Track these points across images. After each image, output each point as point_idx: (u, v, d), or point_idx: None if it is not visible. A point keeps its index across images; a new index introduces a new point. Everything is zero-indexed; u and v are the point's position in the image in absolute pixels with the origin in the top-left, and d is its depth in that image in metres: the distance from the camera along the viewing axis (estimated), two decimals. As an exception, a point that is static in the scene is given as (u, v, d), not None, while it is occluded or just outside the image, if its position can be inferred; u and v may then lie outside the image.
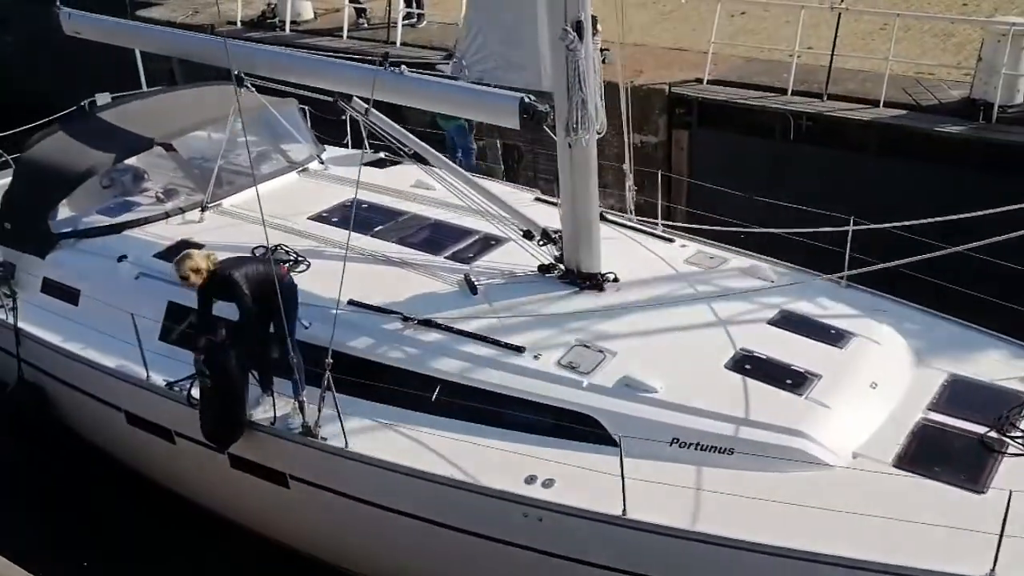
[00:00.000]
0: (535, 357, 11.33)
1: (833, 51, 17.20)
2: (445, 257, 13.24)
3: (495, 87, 12.40)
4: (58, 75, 26.11)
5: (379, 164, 16.15)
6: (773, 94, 17.70)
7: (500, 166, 18.88)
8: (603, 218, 12.97)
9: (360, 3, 22.94)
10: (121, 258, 13.83)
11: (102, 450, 14.53)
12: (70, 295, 14.13)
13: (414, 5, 22.50)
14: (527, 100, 11.76)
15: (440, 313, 12.07)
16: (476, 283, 12.42)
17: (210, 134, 16.01)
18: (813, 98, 17.19)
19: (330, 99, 13.80)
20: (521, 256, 12.89)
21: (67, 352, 13.48)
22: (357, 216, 13.19)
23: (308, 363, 11.27)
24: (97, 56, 18.92)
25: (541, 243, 12.73)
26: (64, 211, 15.08)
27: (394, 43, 21.26)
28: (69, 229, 14.82)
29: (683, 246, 13.55)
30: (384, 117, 13.60)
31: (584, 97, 11.31)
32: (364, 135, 15.46)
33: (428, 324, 11.94)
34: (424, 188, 14.89)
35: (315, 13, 23.68)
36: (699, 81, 18.22)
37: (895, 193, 15.52)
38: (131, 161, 15.69)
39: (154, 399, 12.59)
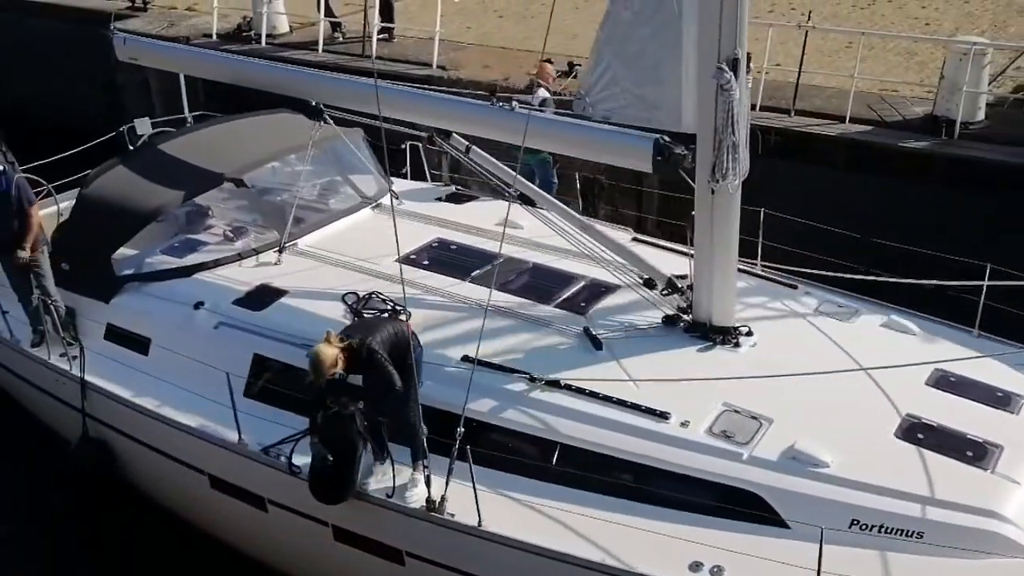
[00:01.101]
0: (683, 424, 8.43)
1: (800, 68, 14.92)
2: (555, 306, 10.08)
3: (620, 126, 9.42)
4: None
5: (455, 199, 12.82)
6: None
7: (579, 201, 15.13)
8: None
9: (335, 17, 19.64)
10: (198, 305, 10.54)
11: (177, 513, 11.09)
12: (139, 344, 10.77)
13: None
14: (663, 142, 8.93)
15: (566, 372, 9.05)
16: (598, 336, 9.46)
17: (278, 167, 12.57)
18: (781, 113, 14.74)
19: (422, 134, 10.77)
20: (636, 304, 9.85)
21: (141, 408, 10.19)
22: (449, 259, 10.53)
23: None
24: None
25: (665, 293, 9.73)
26: (124, 250, 11.49)
27: (369, 56, 18.08)
28: (133, 271, 11.40)
29: (807, 293, 10.36)
30: (485, 154, 10.53)
31: (736, 141, 8.49)
32: (426, 167, 12.49)
33: (556, 385, 8.93)
34: (512, 227, 11.55)
35: (291, 27, 20.17)
36: None
37: (863, 205, 13.33)
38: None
39: (245, 464, 9.44)
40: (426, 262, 10.94)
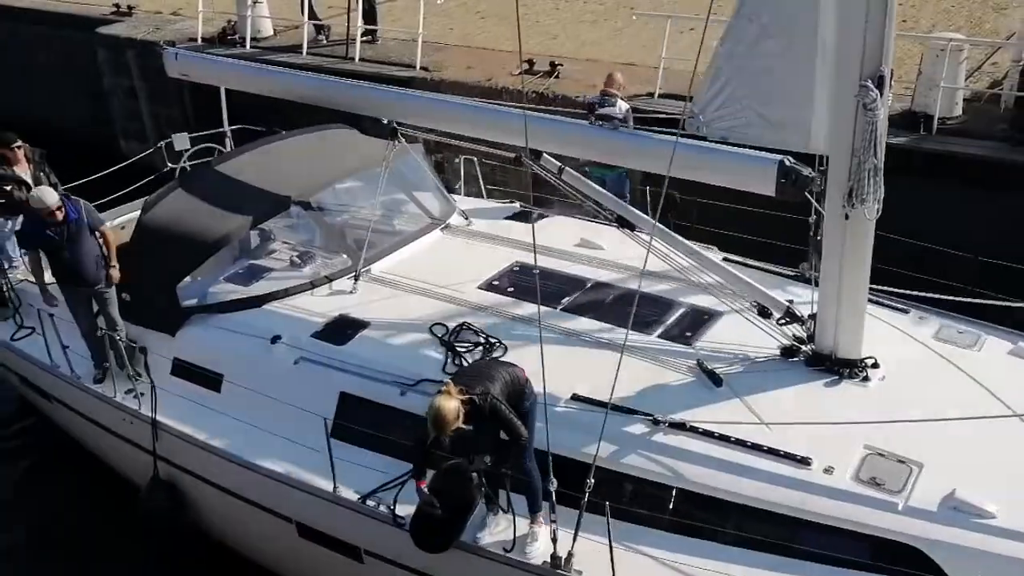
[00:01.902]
0: (826, 471, 6.65)
1: None
2: (659, 336, 8.21)
3: (733, 146, 7.61)
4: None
5: (523, 218, 10.51)
6: None
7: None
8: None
9: (319, 20, 17.32)
10: (275, 339, 8.50)
11: (259, 562, 8.99)
12: (210, 380, 8.74)
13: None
14: (788, 163, 7.24)
15: (688, 412, 7.23)
16: (714, 370, 7.62)
17: (344, 187, 10.25)
18: None
19: (510, 154, 8.66)
20: (743, 332, 7.96)
21: (220, 451, 8.22)
22: (534, 285, 8.49)
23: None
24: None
25: (783, 322, 7.84)
26: (186, 278, 9.53)
27: (353, 59, 15.88)
28: (198, 301, 9.28)
29: (921, 318, 8.47)
30: (580, 176, 8.65)
31: (877, 164, 6.77)
32: (481, 183, 10.44)
33: (682, 427, 7.11)
34: (591, 247, 9.66)
35: (275, 30, 17.71)
36: (651, 95, 13.70)
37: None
38: None
39: (341, 512, 7.52)
40: (510, 289, 9.00)
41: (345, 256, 9.65)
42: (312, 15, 17.08)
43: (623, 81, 11.83)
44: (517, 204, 11.19)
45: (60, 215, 8.91)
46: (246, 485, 8.24)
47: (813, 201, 7.49)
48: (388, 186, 10.08)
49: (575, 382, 7.53)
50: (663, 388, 7.55)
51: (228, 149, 12.06)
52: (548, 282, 8.91)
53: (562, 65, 14.43)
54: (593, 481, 6.46)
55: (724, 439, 7.03)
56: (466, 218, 10.51)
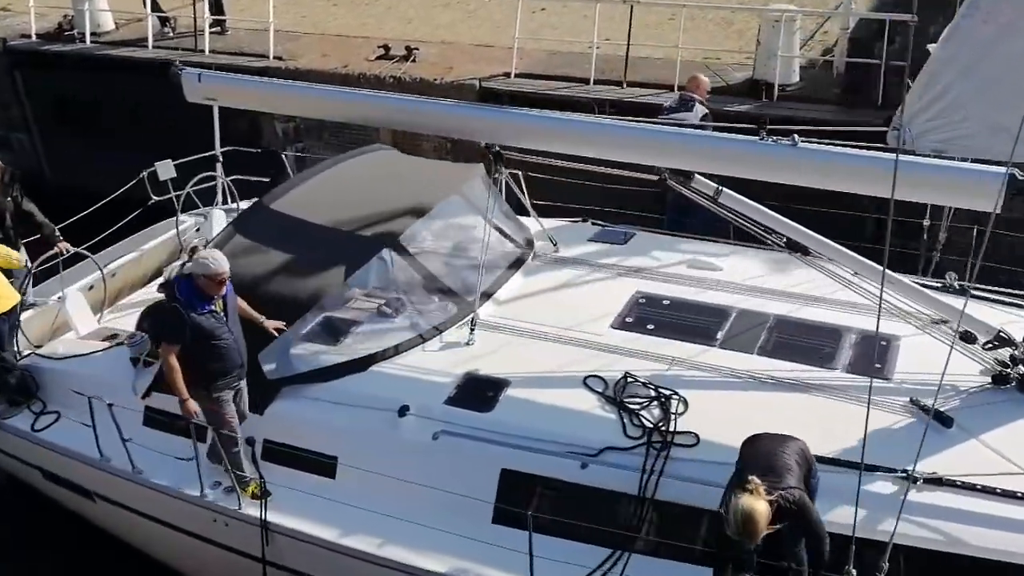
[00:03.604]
0: None
1: (629, 41, 12.64)
2: (845, 371, 6.70)
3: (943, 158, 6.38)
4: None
5: (608, 237, 8.86)
6: (577, 84, 12.75)
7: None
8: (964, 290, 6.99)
9: (163, 12, 15.17)
10: (403, 410, 6.58)
11: None
12: (320, 465, 6.74)
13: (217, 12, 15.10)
14: (1020, 176, 5.85)
15: (932, 461, 5.80)
16: (939, 410, 6.08)
17: (430, 222, 8.13)
18: (614, 86, 12.50)
19: (652, 176, 7.21)
20: (931, 357, 6.31)
21: (357, 552, 6.27)
22: (670, 319, 7.31)
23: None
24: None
25: (989, 346, 6.52)
26: None
27: (203, 51, 14.25)
28: (285, 370, 7.07)
29: None
30: (741, 197, 7.01)
31: None
32: (527, 199, 8.36)
33: (938, 483, 5.73)
34: (707, 268, 8.11)
35: (116, 23, 15.54)
36: (507, 75, 13.08)
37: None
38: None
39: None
40: (650, 326, 7.24)
41: (443, 301, 7.52)
42: (156, 7, 15.01)
43: (707, 84, 10.32)
44: (588, 221, 9.32)
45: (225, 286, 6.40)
46: None
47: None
48: (466, 216, 8.22)
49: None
50: (889, 434, 6.03)
51: (219, 174, 9.88)
52: (687, 314, 7.35)
53: (418, 49, 13.36)
54: (887, 565, 5.05)
55: (992, 492, 5.61)
56: (554, 244, 8.55)
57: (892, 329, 6.90)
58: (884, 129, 6.98)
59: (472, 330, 7.23)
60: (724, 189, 6.96)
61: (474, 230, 8.08)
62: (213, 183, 9.93)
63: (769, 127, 6.68)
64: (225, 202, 9.92)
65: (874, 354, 6.74)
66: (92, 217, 9.25)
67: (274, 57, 14.06)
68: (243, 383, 6.85)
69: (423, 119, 8.01)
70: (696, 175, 6.90)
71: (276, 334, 6.89)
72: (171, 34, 15.19)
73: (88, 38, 14.96)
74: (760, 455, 5.49)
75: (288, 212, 7.85)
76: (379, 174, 8.49)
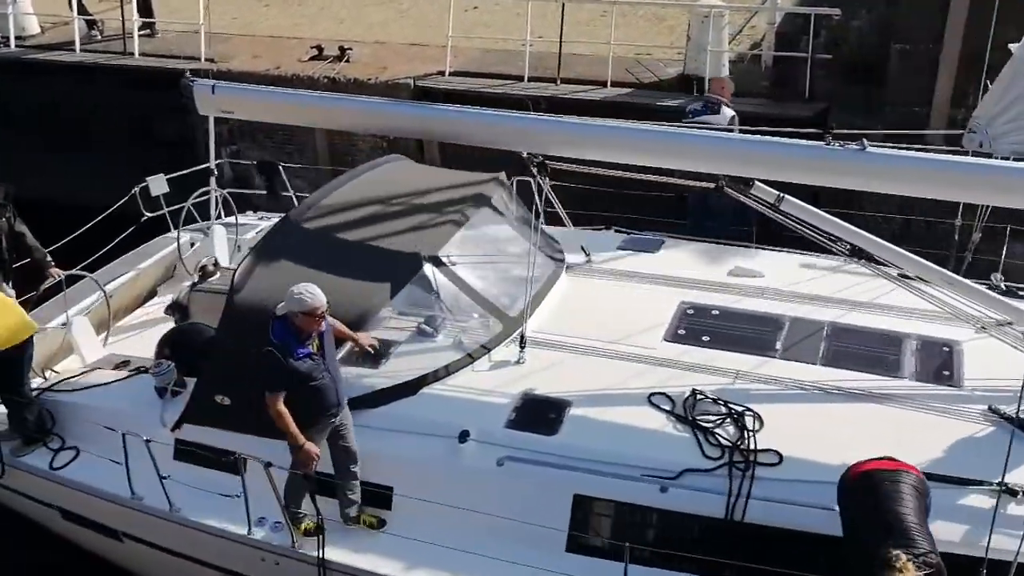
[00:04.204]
0: None
1: (561, 38, 12.37)
2: (913, 379, 6.37)
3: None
4: None
5: (636, 245, 8.50)
6: (511, 81, 12.46)
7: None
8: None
9: (90, 15, 14.25)
10: (463, 436, 6.08)
11: None
12: (373, 496, 6.25)
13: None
14: None
15: (1019, 472, 5.41)
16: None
17: (466, 234, 7.49)
18: (548, 82, 12.23)
19: (706, 184, 6.79)
20: (997, 362, 6.37)
21: None
22: (723, 329, 6.98)
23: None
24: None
25: None
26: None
27: (131, 54, 13.54)
28: None
29: None
30: (805, 204, 6.63)
31: None
32: (539, 204, 7.80)
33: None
34: (746, 276, 7.75)
35: (41, 27, 14.63)
36: (441, 74, 12.75)
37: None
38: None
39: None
40: (705, 338, 6.86)
41: (487, 318, 6.95)
42: (82, 10, 14.20)
43: (731, 87, 10.07)
44: (612, 229, 8.87)
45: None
46: None
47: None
48: (498, 228, 7.68)
49: (862, 450, 5.48)
50: (971, 444, 5.71)
51: (214, 187, 9.19)
52: (740, 324, 6.97)
53: (351, 49, 12.92)
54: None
55: None
56: (587, 254, 8.04)
57: (950, 334, 6.62)
58: (959, 132, 6.60)
59: (523, 348, 6.73)
60: (786, 196, 6.54)
61: (507, 242, 7.52)
62: (206, 197, 9.24)
63: (833, 131, 6.30)
64: (219, 216, 9.23)
65: (940, 360, 6.44)
66: (76, 233, 8.59)
67: (206, 59, 13.37)
68: (347, 418, 6.23)
69: (464, 129, 7.39)
70: (756, 182, 6.51)
71: (371, 350, 6.40)
72: (98, 37, 14.23)
73: (12, 42, 14.13)
74: (884, 508, 4.91)
75: (317, 228, 7.19)
76: (400, 185, 7.80)
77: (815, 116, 10.89)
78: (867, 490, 4.99)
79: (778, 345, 6.72)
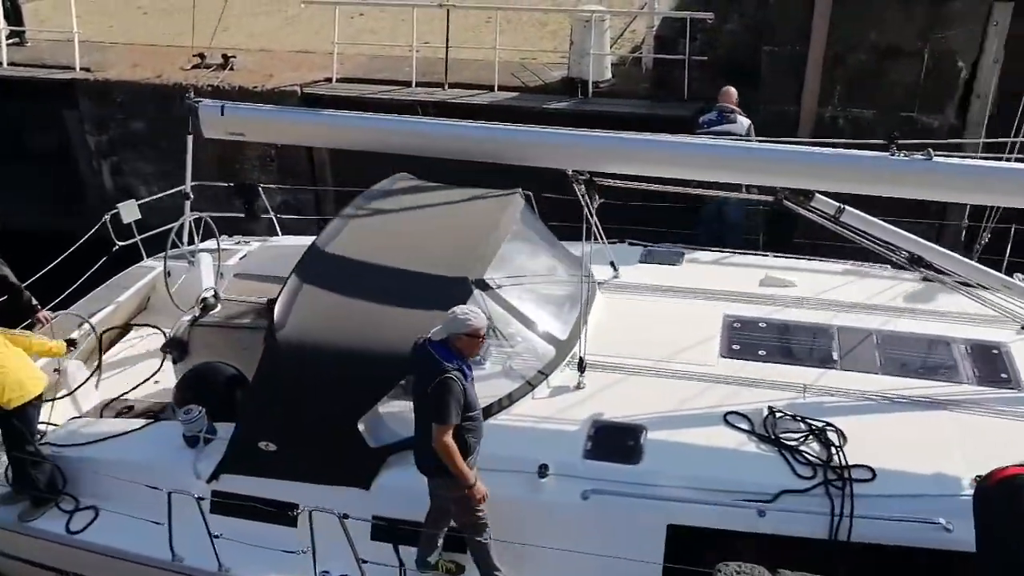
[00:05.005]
0: None
1: (447, 44, 12.42)
2: (973, 383, 6.35)
3: None
4: None
5: (656, 258, 8.25)
6: (399, 87, 12.44)
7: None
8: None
9: None
10: (542, 470, 5.75)
11: None
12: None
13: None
14: None
15: None
16: None
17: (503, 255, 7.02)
18: (436, 87, 12.28)
19: (765, 198, 6.74)
20: None
21: None
22: (776, 342, 6.82)
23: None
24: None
25: None
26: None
27: (0, 63, 12.82)
28: (381, 435, 6.11)
29: None
30: (866, 216, 6.56)
31: None
32: (592, 223, 7.18)
33: None
34: (780, 285, 7.58)
35: None
36: (328, 81, 12.60)
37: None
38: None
39: None
40: (761, 352, 6.66)
41: (538, 342, 6.59)
42: None
43: (735, 95, 9.77)
44: (626, 242, 8.55)
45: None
46: None
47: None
48: (531, 247, 7.37)
49: (954, 460, 5.54)
50: None
51: (187, 212, 8.50)
52: (790, 336, 6.84)
53: (235, 57, 12.73)
54: None
55: None
56: (615, 269, 7.73)
57: (992, 335, 6.67)
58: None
59: (582, 371, 6.37)
60: (847, 207, 6.47)
61: (540, 261, 7.25)
62: (189, 219, 8.60)
63: (898, 142, 6.15)
64: (192, 242, 8.66)
65: (993, 363, 6.47)
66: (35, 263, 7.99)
67: (81, 68, 12.82)
68: None
69: (509, 148, 6.98)
70: (816, 194, 6.42)
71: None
72: (-37, 46, 13.97)
73: None
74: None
75: (349, 256, 6.76)
76: (421, 205, 7.45)
77: (693, 115, 11.28)
78: (1011, 497, 4.81)
79: (835, 355, 6.57)
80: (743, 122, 9.37)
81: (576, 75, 12.40)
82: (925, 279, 7.10)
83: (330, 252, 6.76)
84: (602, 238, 7.49)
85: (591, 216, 6.73)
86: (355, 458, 5.97)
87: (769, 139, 6.83)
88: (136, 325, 8.49)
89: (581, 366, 6.34)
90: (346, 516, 5.46)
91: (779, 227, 10.06)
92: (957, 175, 6.09)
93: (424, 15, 13.10)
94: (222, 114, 7.45)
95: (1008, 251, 7.64)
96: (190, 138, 8.10)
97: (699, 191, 7.16)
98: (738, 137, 8.81)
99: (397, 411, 6.11)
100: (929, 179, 6.10)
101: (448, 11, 12.70)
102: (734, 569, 4.92)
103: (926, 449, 5.69)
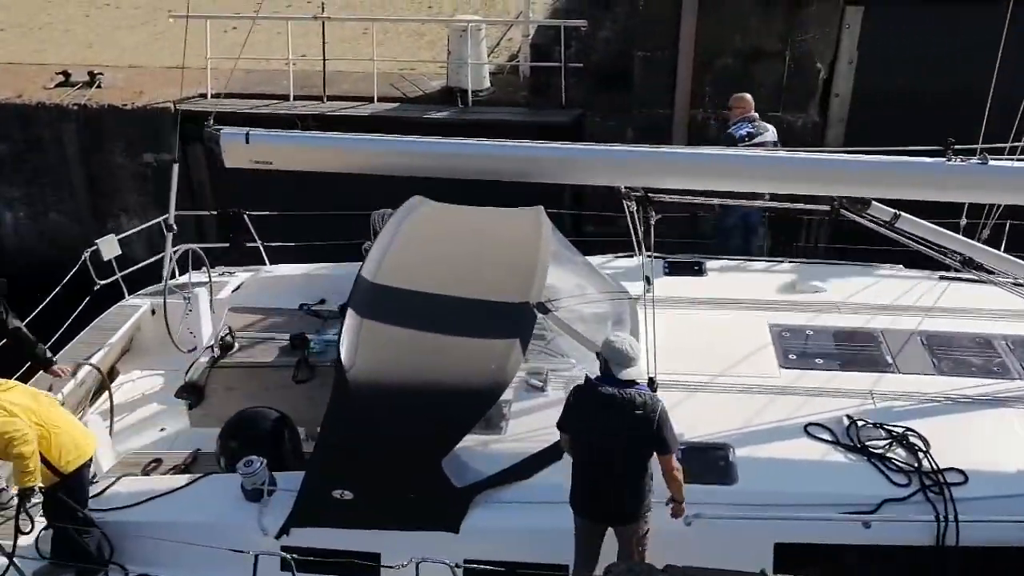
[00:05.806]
0: None
1: (324, 56, 12.12)
2: None
3: None
4: None
5: (680, 269, 7.99)
6: (277, 101, 12.09)
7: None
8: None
9: None
10: None
11: None
12: None
13: None
14: None
15: None
16: None
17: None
18: (314, 100, 12.01)
19: (820, 207, 6.63)
20: None
21: None
22: (829, 350, 6.74)
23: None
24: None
25: None
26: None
27: None
28: (463, 474, 5.71)
29: None
30: (921, 221, 6.51)
31: None
32: (643, 238, 6.91)
33: None
34: (814, 291, 7.51)
35: None
36: (203, 96, 12.10)
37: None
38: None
39: None
40: (818, 360, 6.56)
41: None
42: None
43: (752, 103, 9.44)
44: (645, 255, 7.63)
45: None
46: None
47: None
48: (569, 266, 7.07)
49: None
50: None
51: (169, 244, 7.88)
52: (840, 342, 6.75)
53: (103, 74, 12.14)
54: None
55: None
56: (649, 283, 7.02)
57: (1019, 330, 6.73)
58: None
59: (655, 390, 5.94)
60: (903, 214, 6.41)
61: (580, 278, 6.98)
62: (172, 251, 7.93)
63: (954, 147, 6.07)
64: (173, 276, 8.05)
65: None
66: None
67: None
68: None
69: (562, 168, 6.60)
70: (873, 201, 6.34)
71: None
72: None
73: None
74: None
75: (398, 287, 6.36)
76: (450, 229, 7.18)
77: (571, 121, 11.44)
78: None
79: (889, 359, 6.57)
80: (772, 130, 9.31)
81: (455, 84, 12.32)
82: (942, 278, 7.27)
83: (380, 284, 6.38)
84: (642, 250, 7.10)
85: (647, 233, 6.57)
86: (441, 500, 5.65)
87: (793, 149, 6.99)
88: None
89: (652, 385, 5.86)
90: (458, 565, 5.12)
91: (783, 233, 10.32)
92: (1014, 179, 6.20)
93: (299, 28, 12.70)
94: (247, 142, 6.76)
95: (1003, 247, 7.87)
96: (175, 167, 7.79)
97: (746, 203, 7.28)
98: (770, 146, 8.85)
99: (482, 447, 5.90)
100: (986, 182, 6.15)
101: (323, 23, 12.39)
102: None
103: (1007, 448, 5.79)
